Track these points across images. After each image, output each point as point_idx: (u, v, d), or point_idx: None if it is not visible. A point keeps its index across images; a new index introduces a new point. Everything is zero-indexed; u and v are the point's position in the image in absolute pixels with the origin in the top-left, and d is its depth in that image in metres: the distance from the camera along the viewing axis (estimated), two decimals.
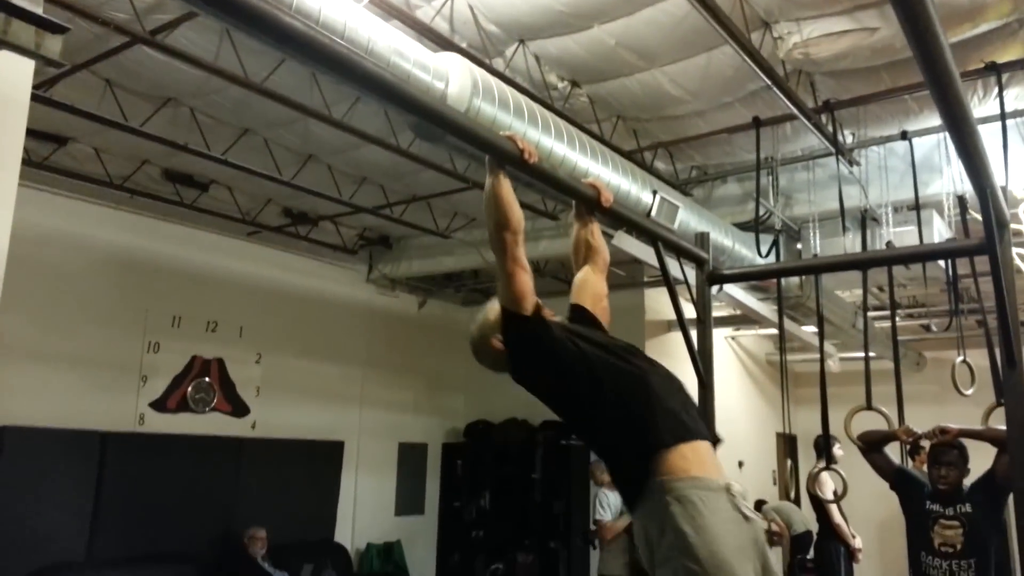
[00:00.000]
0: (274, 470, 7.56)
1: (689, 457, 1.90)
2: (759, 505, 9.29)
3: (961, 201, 5.32)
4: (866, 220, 5.71)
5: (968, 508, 3.84)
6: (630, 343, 2.23)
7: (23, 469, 5.82)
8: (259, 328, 7.84)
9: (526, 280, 2.09)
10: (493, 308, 2.21)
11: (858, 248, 5.86)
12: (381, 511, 8.89)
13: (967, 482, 3.98)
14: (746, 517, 1.88)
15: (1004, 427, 3.54)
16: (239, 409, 7.65)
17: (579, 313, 2.42)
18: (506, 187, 2.20)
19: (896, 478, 4.24)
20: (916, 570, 4.01)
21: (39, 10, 2.11)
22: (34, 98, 3.32)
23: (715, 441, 2.08)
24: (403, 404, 9.34)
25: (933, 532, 3.90)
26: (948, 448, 3.98)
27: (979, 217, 2.82)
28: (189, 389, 7.24)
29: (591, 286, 2.53)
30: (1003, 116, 4.69)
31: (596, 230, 2.70)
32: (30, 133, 3.97)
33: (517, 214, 2.16)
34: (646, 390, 2.01)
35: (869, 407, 4.21)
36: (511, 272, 2.08)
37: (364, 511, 8.66)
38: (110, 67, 4.74)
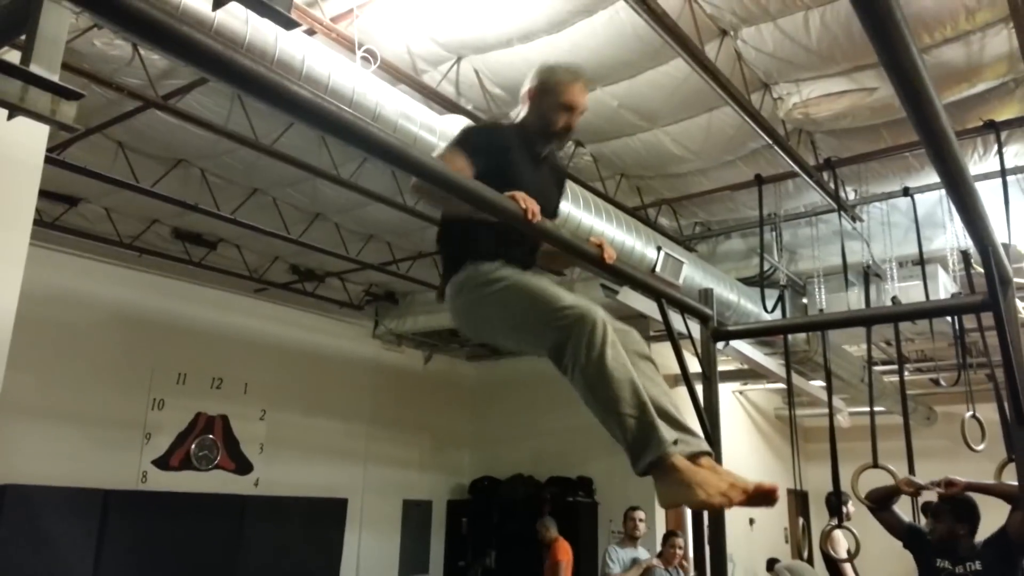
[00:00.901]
0: (277, 528, 7.46)
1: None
2: (771, 564, 9.10)
3: (965, 256, 5.33)
4: (869, 276, 5.72)
5: (978, 566, 3.78)
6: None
7: (25, 527, 5.76)
8: (264, 384, 7.83)
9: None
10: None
11: (864, 302, 5.85)
12: (385, 570, 8.72)
13: (979, 539, 3.91)
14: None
15: (1015, 483, 3.52)
16: (242, 466, 7.59)
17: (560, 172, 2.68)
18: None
19: (907, 536, 4.17)
20: None
21: (55, 78, 2.16)
22: (47, 160, 3.39)
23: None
24: (408, 460, 9.25)
25: None
26: (945, 500, 3.94)
27: (979, 269, 2.83)
28: (193, 446, 7.21)
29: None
30: (1003, 173, 4.74)
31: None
32: (42, 194, 4.03)
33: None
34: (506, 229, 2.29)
35: (875, 465, 4.16)
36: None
37: (367, 570, 8.50)
38: (123, 130, 4.85)
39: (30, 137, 2.86)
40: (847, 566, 6.51)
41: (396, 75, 4.13)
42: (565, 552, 6.99)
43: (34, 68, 2.13)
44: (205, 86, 4.29)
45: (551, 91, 2.34)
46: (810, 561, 9.16)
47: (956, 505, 3.96)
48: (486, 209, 2.37)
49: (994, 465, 4.11)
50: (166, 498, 6.78)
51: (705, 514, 3.45)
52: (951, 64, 4.04)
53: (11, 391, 5.75)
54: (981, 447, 4.70)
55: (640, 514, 5.97)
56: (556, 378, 2.30)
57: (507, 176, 2.27)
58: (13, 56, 2.02)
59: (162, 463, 6.97)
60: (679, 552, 5.85)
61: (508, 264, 2.26)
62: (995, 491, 3.78)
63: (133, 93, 4.26)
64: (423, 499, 9.34)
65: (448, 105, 4.39)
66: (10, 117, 2.07)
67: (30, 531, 5.79)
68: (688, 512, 9.24)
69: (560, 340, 1.96)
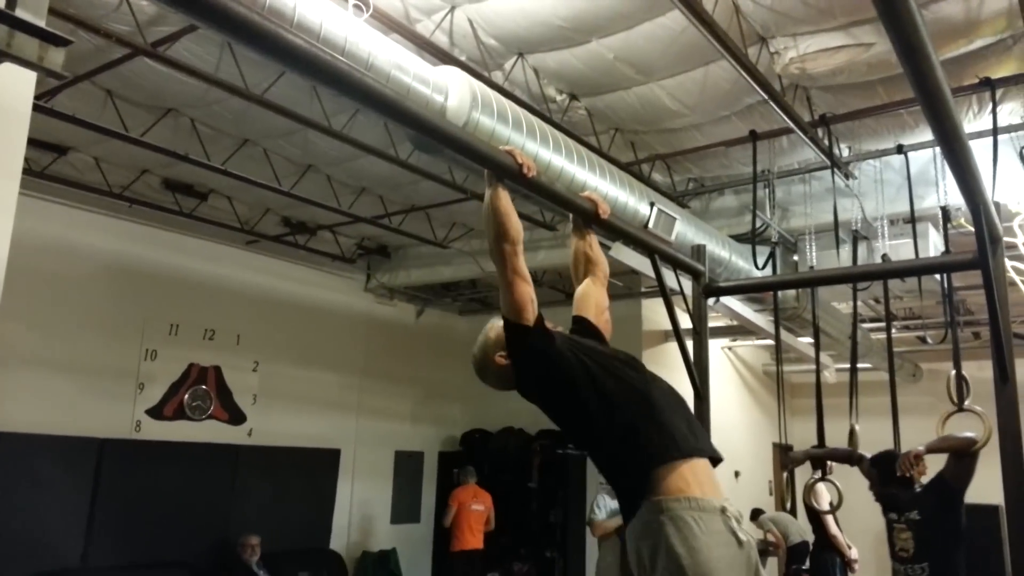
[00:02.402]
0: (270, 478, 7.57)
1: (687, 476, 1.90)
2: (756, 514, 9.30)
3: (945, 213, 5.38)
4: (858, 236, 5.75)
5: (915, 515, 3.99)
6: (630, 355, 2.23)
7: (19, 475, 5.82)
8: (256, 336, 7.86)
9: (527, 290, 2.06)
10: (494, 326, 2.18)
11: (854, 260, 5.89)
12: (377, 519, 8.89)
13: (919, 487, 4.14)
14: (740, 541, 1.88)
15: (963, 434, 3.76)
16: (236, 417, 7.66)
17: (582, 325, 2.41)
18: (505, 199, 2.20)
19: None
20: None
21: (42, 23, 2.12)
22: (35, 108, 3.35)
23: (716, 459, 2.07)
24: (400, 413, 9.35)
25: (894, 538, 4.07)
26: (873, 463, 4.34)
27: (970, 228, 2.86)
28: (186, 397, 7.26)
29: (593, 298, 2.52)
30: (995, 131, 4.73)
31: (594, 242, 2.70)
32: (31, 143, 3.99)
33: (516, 225, 2.16)
34: (648, 404, 2.02)
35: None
36: (511, 282, 2.06)
37: (360, 519, 8.66)
38: (111, 78, 4.77)
39: (17, 84, 2.81)
40: (829, 518, 6.66)
41: (389, 24, 4.06)
42: (455, 498, 7.93)
43: (20, 13, 2.09)
44: (195, 33, 4.21)
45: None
46: (793, 513, 9.38)
47: (880, 467, 4.17)
48: (477, 160, 2.36)
49: (976, 420, 4.20)
50: (160, 447, 6.86)
51: None
52: (949, 19, 4.00)
53: (4, 340, 5.78)
54: (965, 404, 4.78)
55: None
56: None
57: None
58: None
59: (156, 413, 7.02)
60: None
61: (699, 488, 1.89)
62: (949, 446, 3.90)
63: (121, 40, 4.18)
64: (415, 450, 9.46)
65: (442, 56, 4.34)
66: None
67: (26, 479, 5.86)
68: None
69: None
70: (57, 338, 6.37)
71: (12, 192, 2.82)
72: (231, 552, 6.81)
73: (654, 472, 1.89)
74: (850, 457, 4.46)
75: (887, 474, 4.14)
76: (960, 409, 3.98)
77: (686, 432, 2.00)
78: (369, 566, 8.43)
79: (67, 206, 6.47)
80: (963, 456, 3.79)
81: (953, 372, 4.75)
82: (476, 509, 7.95)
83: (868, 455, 4.37)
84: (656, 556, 1.83)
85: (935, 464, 4.07)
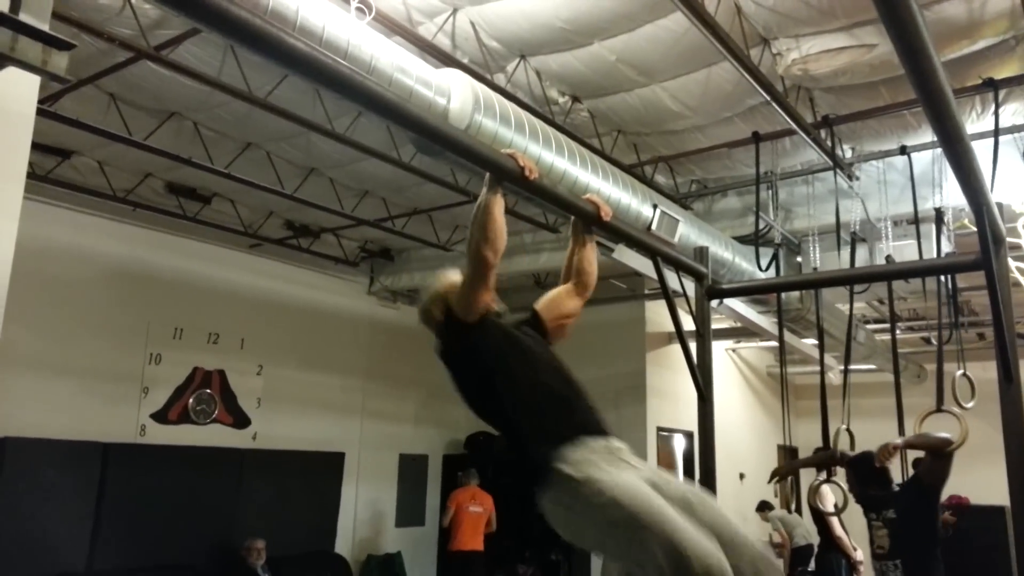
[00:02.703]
0: (275, 481, 7.57)
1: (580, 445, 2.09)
2: (763, 506, 9.28)
3: (939, 215, 5.38)
4: (861, 236, 5.75)
5: (891, 514, 4.00)
6: (556, 358, 2.36)
7: (25, 480, 5.83)
8: (260, 340, 7.86)
9: (484, 297, 2.22)
10: (447, 280, 2.37)
11: (859, 261, 5.88)
12: (381, 522, 8.89)
13: (895, 487, 4.16)
14: (631, 464, 2.07)
15: (939, 434, 3.78)
16: (240, 420, 7.66)
17: (534, 320, 2.51)
18: (500, 207, 2.25)
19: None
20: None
21: (46, 27, 2.13)
22: (39, 112, 3.35)
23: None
24: (404, 415, 9.34)
25: (872, 536, 4.09)
26: (850, 465, 4.33)
27: (974, 229, 2.85)
28: (190, 400, 7.26)
29: (559, 303, 2.58)
30: (996, 132, 4.72)
31: (589, 253, 2.70)
32: (35, 147, 4.00)
33: (503, 238, 2.23)
34: (556, 399, 2.21)
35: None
36: (475, 287, 2.21)
37: (364, 522, 8.65)
38: (115, 82, 4.79)
39: (21, 88, 2.82)
40: (834, 520, 6.63)
41: (391, 27, 4.07)
42: (453, 499, 8.05)
43: (24, 17, 2.10)
44: (198, 37, 4.23)
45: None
46: (798, 513, 9.35)
47: (857, 469, 4.19)
48: (479, 163, 2.36)
49: (982, 421, 4.19)
50: (165, 451, 6.86)
51: (696, 465, 3.52)
52: (952, 20, 4.00)
53: (9, 345, 5.77)
54: (970, 405, 4.77)
55: None
56: None
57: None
58: (2, 4, 1.99)
59: (160, 417, 7.03)
60: None
61: (591, 438, 2.09)
62: (925, 444, 3.93)
63: (124, 43, 4.20)
64: (419, 453, 9.46)
65: (444, 58, 4.34)
66: (0, 67, 2.04)
67: (30, 483, 5.86)
68: (680, 462, 9.41)
69: None
70: (61, 342, 6.39)
71: (16, 196, 2.82)
72: (236, 556, 6.80)
73: (557, 447, 2.07)
74: (831, 459, 4.47)
75: (865, 475, 4.15)
76: (939, 410, 4.02)
77: (590, 423, 2.18)
78: (374, 569, 8.42)
79: (71, 210, 6.48)
80: (939, 456, 3.81)
81: (958, 373, 4.76)
82: (474, 511, 7.94)
83: (851, 454, 4.39)
84: (574, 501, 2.02)
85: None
